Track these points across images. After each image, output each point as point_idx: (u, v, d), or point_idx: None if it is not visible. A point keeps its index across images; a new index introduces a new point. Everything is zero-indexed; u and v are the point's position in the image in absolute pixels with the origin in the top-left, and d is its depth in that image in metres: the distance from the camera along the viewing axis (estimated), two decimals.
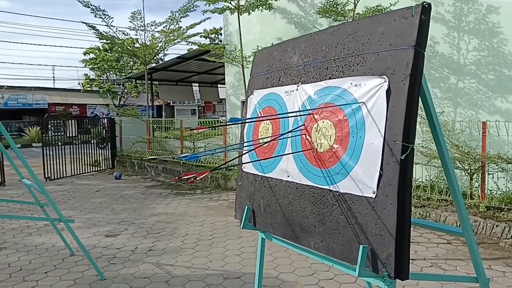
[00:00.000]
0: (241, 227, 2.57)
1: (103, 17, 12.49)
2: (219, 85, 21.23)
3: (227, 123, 2.38)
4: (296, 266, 4.30)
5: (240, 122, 2.00)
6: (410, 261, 4.42)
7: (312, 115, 2.03)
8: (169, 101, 34.61)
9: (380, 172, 1.70)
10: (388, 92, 1.69)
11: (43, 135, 11.98)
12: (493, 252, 4.68)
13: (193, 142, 11.03)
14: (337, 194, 1.91)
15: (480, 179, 5.79)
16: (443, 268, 4.26)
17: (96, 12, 12.36)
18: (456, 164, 5.89)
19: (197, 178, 1.68)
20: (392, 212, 1.67)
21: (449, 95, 6.96)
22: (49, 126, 13.17)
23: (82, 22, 26.09)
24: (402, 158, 1.63)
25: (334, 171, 1.91)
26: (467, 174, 5.94)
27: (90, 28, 12.94)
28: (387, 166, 1.68)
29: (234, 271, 4.23)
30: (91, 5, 12.18)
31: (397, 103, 1.66)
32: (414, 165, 5.71)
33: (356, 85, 1.83)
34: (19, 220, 6.20)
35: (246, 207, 2.55)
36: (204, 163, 9.78)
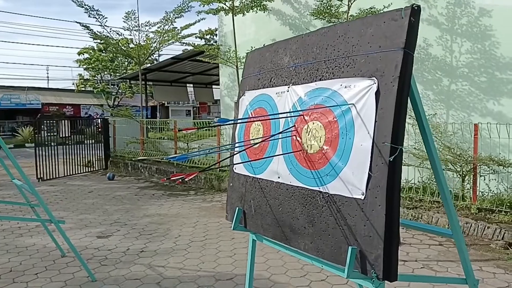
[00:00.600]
0: (232, 228, 2.57)
1: (97, 17, 12.45)
2: (213, 86, 21.21)
3: (215, 124, 2.37)
4: (288, 268, 4.29)
5: (227, 123, 1.99)
6: (402, 262, 4.46)
7: (302, 117, 2.03)
8: (163, 102, 34.53)
9: (369, 174, 1.70)
10: (377, 93, 1.70)
11: (36, 135, 11.90)
12: (484, 253, 4.70)
13: (187, 143, 11.01)
14: (327, 195, 1.91)
15: (472, 181, 5.83)
16: (435, 269, 4.28)
17: (90, 12, 12.32)
18: (448, 166, 5.92)
19: (186, 179, 1.67)
20: (380, 213, 1.67)
21: (441, 97, 7.00)
22: (43, 126, 13.09)
23: (76, 22, 26.03)
24: (391, 159, 1.63)
25: (323, 172, 1.91)
26: (459, 176, 5.98)
27: (84, 28, 12.90)
28: (376, 167, 1.69)
29: (226, 273, 4.22)
30: (85, 4, 12.14)
31: (386, 105, 1.67)
32: (407, 167, 5.71)
33: (346, 87, 1.84)
34: (10, 221, 6.15)
35: (237, 208, 2.55)
36: (198, 164, 9.76)
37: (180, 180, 1.66)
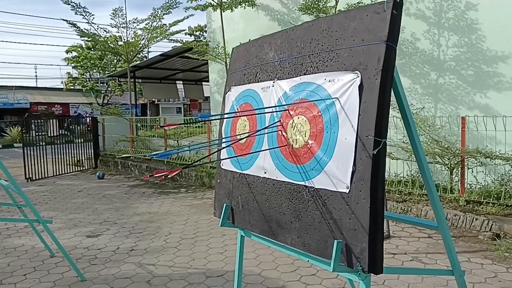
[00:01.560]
0: (220, 225, 2.55)
1: (84, 14, 12.29)
2: (203, 83, 21.12)
3: (197, 120, 2.35)
4: (279, 263, 4.30)
5: (209, 118, 1.98)
6: (391, 255, 4.48)
7: (287, 111, 2.03)
8: (153, 100, 34.29)
9: (353, 167, 1.70)
10: (361, 87, 1.70)
11: (24, 134, 11.76)
12: (473, 245, 4.75)
13: (177, 140, 10.96)
14: (312, 189, 1.90)
15: (459, 174, 5.89)
16: (424, 261, 4.31)
17: (77, 9, 12.15)
18: (436, 159, 5.97)
19: (169, 176, 1.66)
20: (365, 206, 1.67)
21: (429, 91, 7.05)
22: (31, 125, 12.96)
23: (63, 19, 25.54)
24: (375, 153, 1.63)
25: (309, 167, 1.91)
26: (447, 168, 6.03)
27: (71, 25, 12.71)
28: (360, 161, 1.69)
29: (216, 269, 4.21)
30: (71, 2, 11.97)
31: (369, 98, 1.67)
32: (396, 161, 5.71)
33: (329, 81, 1.83)
34: None
35: (225, 204, 2.54)
36: (189, 161, 9.73)
37: (163, 176, 1.65)
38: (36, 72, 63.37)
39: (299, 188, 1.98)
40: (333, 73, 1.83)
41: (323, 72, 1.89)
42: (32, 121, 15.67)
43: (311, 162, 1.89)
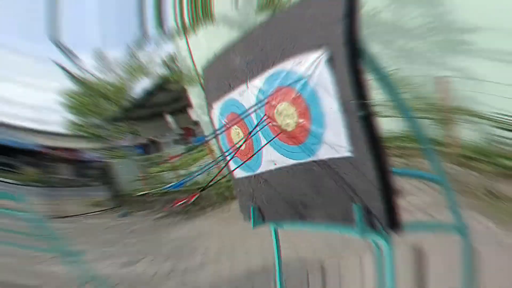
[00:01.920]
0: (252, 227, 2.62)
1: (71, 56, 12.27)
2: (189, 109, 21.16)
3: (195, 146, 2.45)
4: (315, 245, 4.36)
5: (205, 141, 2.11)
6: (408, 211, 4.47)
7: (269, 103, 2.15)
8: (151, 138, 34.26)
9: (347, 131, 1.83)
10: (329, 60, 1.82)
11: (43, 175, 11.90)
12: (469, 200, 4.70)
13: (186, 169, 11.13)
14: (320, 162, 2.02)
15: (449, 129, 5.91)
16: (433, 215, 4.34)
17: (63, 50, 12.08)
18: (423, 115, 6.00)
19: (189, 202, 1.76)
20: (370, 166, 1.79)
21: (402, 53, 7.06)
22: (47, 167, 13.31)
23: (52, 60, 23.27)
24: (362, 114, 1.76)
25: (309, 142, 2.03)
26: (436, 123, 6.07)
27: (61, 69, 12.65)
28: (351, 124, 1.81)
29: (259, 270, 4.29)
30: (59, 43, 11.95)
31: (340, 69, 1.79)
32: (387, 118, 5.67)
33: (297, 64, 1.95)
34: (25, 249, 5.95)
35: (251, 207, 2.60)
36: (204, 184, 9.84)
37: (184, 204, 1.73)
38: (41, 115, 62.02)
39: (309, 165, 2.08)
40: (298, 56, 1.95)
41: (289, 58, 2.00)
42: (47, 164, 15.86)
43: (310, 138, 2.02)
